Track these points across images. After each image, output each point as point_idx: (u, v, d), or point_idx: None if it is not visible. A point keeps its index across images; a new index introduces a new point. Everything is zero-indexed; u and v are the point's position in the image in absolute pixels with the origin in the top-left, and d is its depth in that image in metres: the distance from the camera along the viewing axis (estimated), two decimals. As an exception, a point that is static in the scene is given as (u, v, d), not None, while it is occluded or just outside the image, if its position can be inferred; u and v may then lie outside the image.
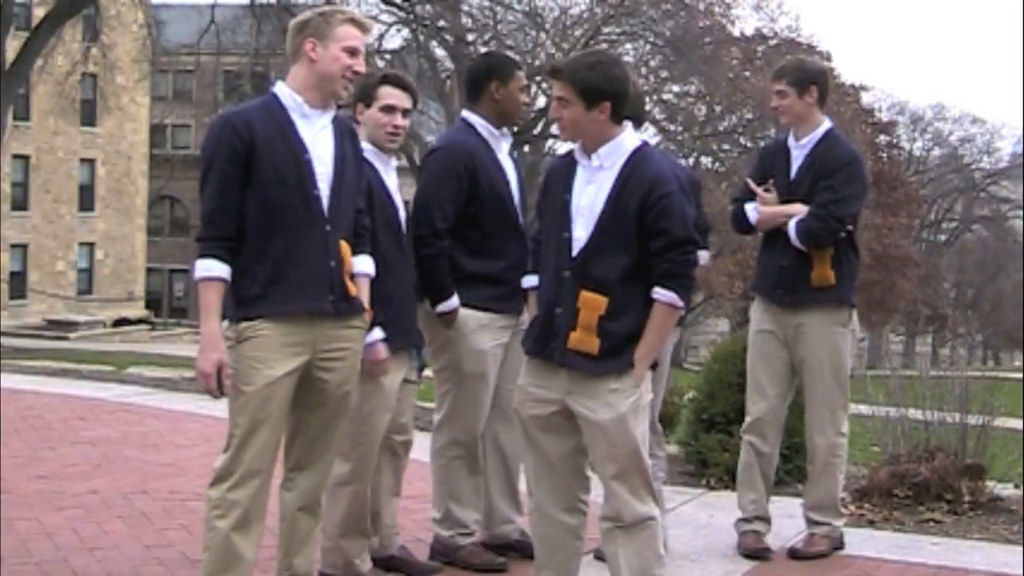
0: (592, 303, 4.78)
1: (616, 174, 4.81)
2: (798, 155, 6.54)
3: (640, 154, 4.84)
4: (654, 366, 4.97)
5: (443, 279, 5.92)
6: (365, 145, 5.52)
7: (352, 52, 4.90)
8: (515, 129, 6.26)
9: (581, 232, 4.82)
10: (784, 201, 6.48)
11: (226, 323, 4.85)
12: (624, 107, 4.86)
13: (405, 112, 5.70)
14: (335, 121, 5.01)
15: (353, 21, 4.96)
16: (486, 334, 6.01)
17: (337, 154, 4.94)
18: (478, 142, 6.07)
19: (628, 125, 4.95)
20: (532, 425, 4.97)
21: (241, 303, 4.83)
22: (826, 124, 6.56)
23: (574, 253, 4.82)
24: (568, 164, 4.97)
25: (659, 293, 4.77)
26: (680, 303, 4.80)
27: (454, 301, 5.95)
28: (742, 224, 6.66)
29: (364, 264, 5.15)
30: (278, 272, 4.81)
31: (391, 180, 5.70)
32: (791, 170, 6.54)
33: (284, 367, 4.83)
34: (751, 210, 6.58)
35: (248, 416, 4.82)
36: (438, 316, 5.97)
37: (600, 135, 4.84)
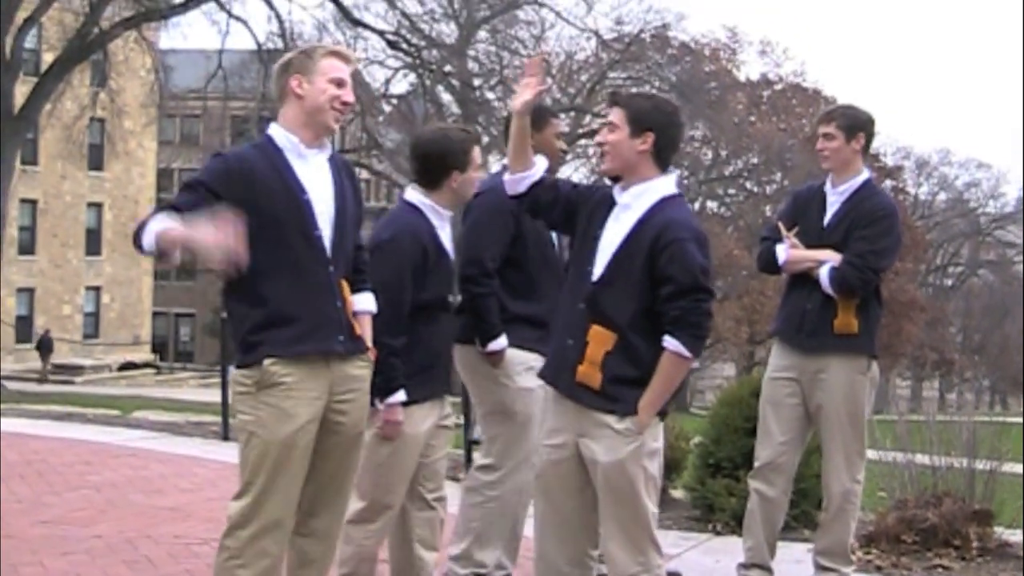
0: (600, 337, 4.77)
1: (640, 216, 4.80)
2: (834, 201, 6.51)
3: (669, 201, 4.84)
4: (663, 415, 4.94)
5: (493, 318, 6.00)
6: (424, 200, 5.57)
7: (338, 83, 4.89)
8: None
9: (600, 268, 4.83)
10: (814, 246, 6.47)
11: (237, 370, 4.81)
12: (668, 149, 4.88)
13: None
14: (331, 159, 4.99)
15: (335, 53, 4.96)
16: (532, 374, 5.97)
17: (336, 192, 4.92)
18: None
19: (672, 175, 4.95)
20: (551, 471, 4.93)
21: (253, 345, 4.78)
22: (865, 174, 6.54)
23: (590, 288, 4.83)
24: (608, 200, 4.95)
25: (667, 341, 4.74)
26: (687, 353, 4.73)
27: (503, 340, 6.02)
28: (770, 263, 6.63)
29: (365, 302, 5.11)
30: (287, 314, 4.77)
31: (445, 234, 5.67)
32: (825, 216, 6.51)
33: (308, 413, 4.78)
34: (781, 250, 6.55)
35: (271, 464, 4.74)
36: (486, 355, 6.02)
37: (637, 168, 4.84)
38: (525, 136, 5.06)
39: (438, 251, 5.56)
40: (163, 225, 4.54)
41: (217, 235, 4.39)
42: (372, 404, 5.27)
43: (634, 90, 5.56)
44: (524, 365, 6.06)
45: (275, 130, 4.92)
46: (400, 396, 5.38)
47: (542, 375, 5.05)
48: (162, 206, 4.77)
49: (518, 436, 6.12)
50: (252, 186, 4.75)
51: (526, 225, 6.02)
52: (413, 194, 5.62)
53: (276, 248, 4.76)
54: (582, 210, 5.00)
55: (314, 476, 4.94)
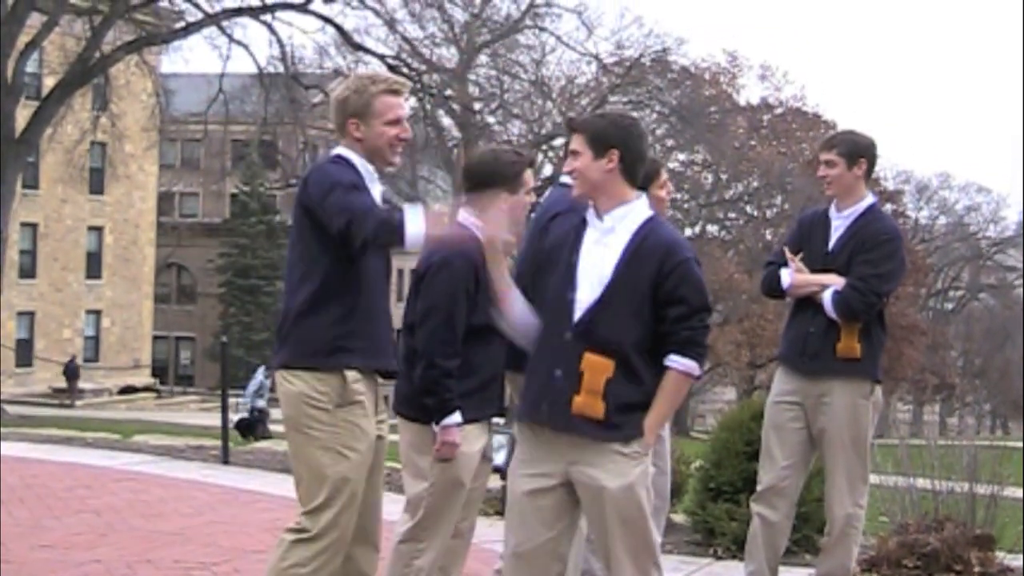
0: (597, 366, 4.67)
1: (628, 239, 4.74)
2: (839, 226, 6.53)
3: (654, 222, 4.81)
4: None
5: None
6: (476, 222, 5.44)
7: (394, 123, 5.03)
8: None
9: (586, 294, 4.72)
10: (819, 270, 6.47)
11: (314, 374, 4.88)
12: (636, 163, 4.81)
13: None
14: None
15: (389, 91, 5.06)
16: None
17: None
18: None
19: (643, 195, 4.92)
20: (528, 501, 4.80)
21: (337, 351, 4.89)
22: (869, 199, 6.56)
23: (577, 315, 4.72)
24: (576, 225, 4.89)
25: (676, 361, 4.70)
26: (698, 372, 4.76)
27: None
28: (774, 287, 6.63)
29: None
30: (365, 330, 4.94)
31: None
32: (830, 240, 6.53)
33: (373, 429, 5.01)
34: (785, 274, 6.56)
35: (352, 483, 4.91)
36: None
37: (611, 190, 4.78)
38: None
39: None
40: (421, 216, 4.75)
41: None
42: (426, 422, 5.40)
43: (588, 113, 5.56)
44: None
45: (349, 154, 5.04)
46: (456, 418, 5.36)
47: (521, 415, 4.89)
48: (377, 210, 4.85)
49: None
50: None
51: None
52: (465, 216, 5.50)
53: (360, 266, 4.95)
54: (545, 258, 4.94)
55: (365, 494, 5.08)
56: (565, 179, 5.80)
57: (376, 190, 5.06)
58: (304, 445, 4.94)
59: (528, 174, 5.62)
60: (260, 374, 26.74)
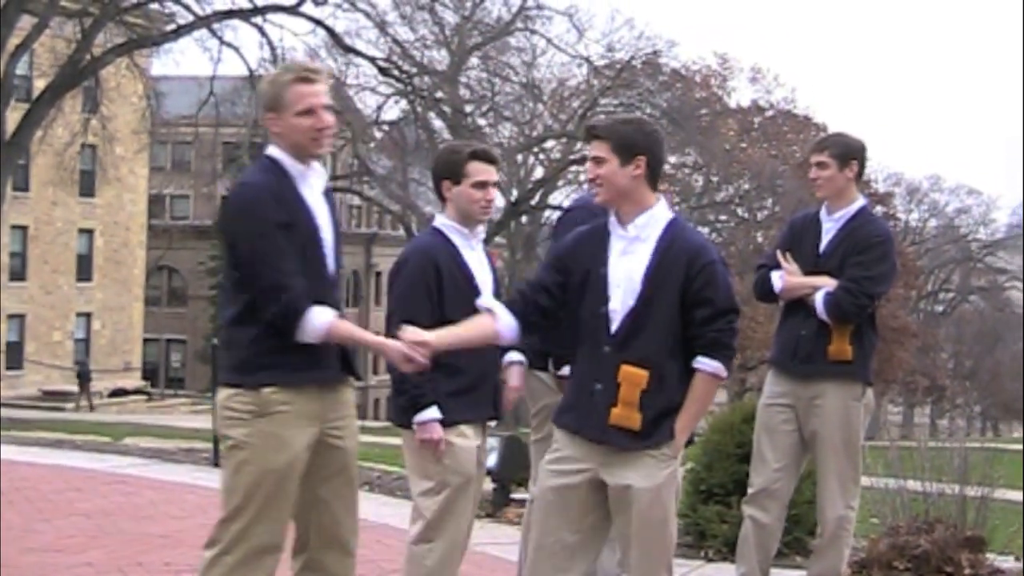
0: (633, 378, 4.70)
1: (654, 246, 4.77)
2: (830, 228, 6.54)
3: (677, 225, 4.84)
4: (690, 441, 4.93)
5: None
6: (446, 221, 5.59)
7: (308, 112, 4.74)
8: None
9: (618, 305, 4.75)
10: (811, 273, 6.48)
11: (235, 390, 4.76)
12: (660, 168, 4.88)
13: (495, 184, 5.79)
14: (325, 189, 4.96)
15: (300, 79, 4.77)
16: None
17: (332, 219, 4.91)
18: None
19: (662, 197, 4.94)
20: (553, 496, 4.85)
21: (258, 368, 4.71)
22: (860, 201, 6.57)
23: (613, 328, 4.75)
24: (599, 235, 4.91)
25: (704, 363, 4.74)
26: (725, 373, 4.79)
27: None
28: (766, 290, 6.63)
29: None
30: (290, 344, 4.70)
31: (474, 255, 5.65)
32: (821, 243, 6.54)
33: (304, 441, 4.76)
34: (776, 277, 6.56)
35: (265, 492, 4.70)
36: (561, 379, 5.91)
37: (636, 197, 4.81)
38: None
39: (460, 270, 5.52)
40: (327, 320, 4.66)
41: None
42: (408, 425, 5.37)
43: (603, 116, 5.54)
44: None
45: (277, 153, 4.83)
46: (431, 413, 5.35)
47: (566, 426, 4.91)
48: (286, 281, 4.66)
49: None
50: (284, 210, 4.71)
51: None
52: (438, 218, 5.69)
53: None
54: (574, 267, 4.90)
55: (323, 508, 4.90)
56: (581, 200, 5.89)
57: (315, 185, 4.84)
58: (223, 456, 4.88)
59: (473, 166, 5.62)
60: None
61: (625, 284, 4.76)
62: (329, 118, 4.80)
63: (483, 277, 5.60)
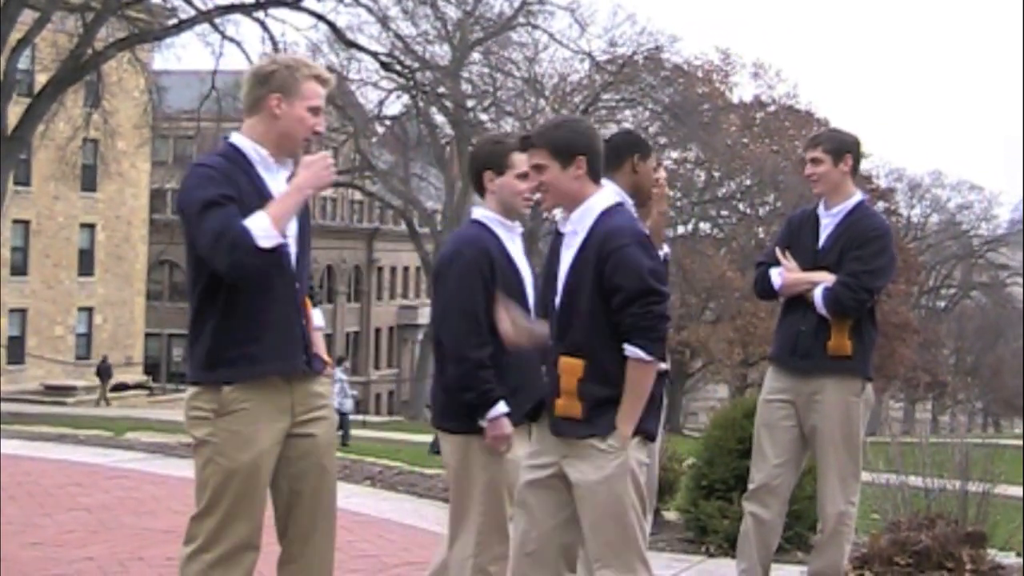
0: (570, 367, 4.76)
1: (584, 237, 4.82)
2: (828, 224, 6.53)
3: (608, 212, 4.85)
4: (650, 436, 4.92)
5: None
6: (487, 213, 5.48)
7: (316, 111, 4.78)
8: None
9: (558, 299, 4.86)
10: (809, 269, 6.47)
11: (194, 389, 4.73)
12: (598, 161, 4.89)
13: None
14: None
15: (318, 78, 4.81)
16: None
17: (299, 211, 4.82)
18: None
19: (606, 186, 4.98)
20: (527, 490, 4.89)
21: (216, 364, 4.67)
22: (858, 196, 6.56)
23: (555, 320, 4.85)
24: (556, 236, 5.02)
25: (627, 349, 4.72)
26: (648, 357, 4.71)
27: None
28: (765, 288, 6.63)
29: (318, 317, 5.04)
30: (255, 333, 4.68)
31: (516, 247, 5.55)
32: (819, 238, 6.53)
33: (270, 437, 4.72)
34: (776, 275, 6.56)
35: (235, 490, 4.67)
36: None
37: (578, 194, 4.86)
38: None
39: (508, 263, 5.42)
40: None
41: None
42: (476, 431, 5.26)
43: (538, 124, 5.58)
44: None
45: (241, 140, 4.78)
46: (501, 408, 5.23)
47: (529, 416, 4.97)
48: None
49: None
50: (232, 188, 4.64)
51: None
52: (477, 210, 5.57)
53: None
54: (548, 272, 5.00)
55: (298, 501, 4.87)
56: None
57: (280, 175, 4.78)
58: (193, 452, 4.84)
59: (518, 156, 5.48)
60: (339, 371, 25.63)
61: (562, 278, 4.84)
62: (323, 125, 4.86)
63: (526, 271, 5.53)
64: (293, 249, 4.78)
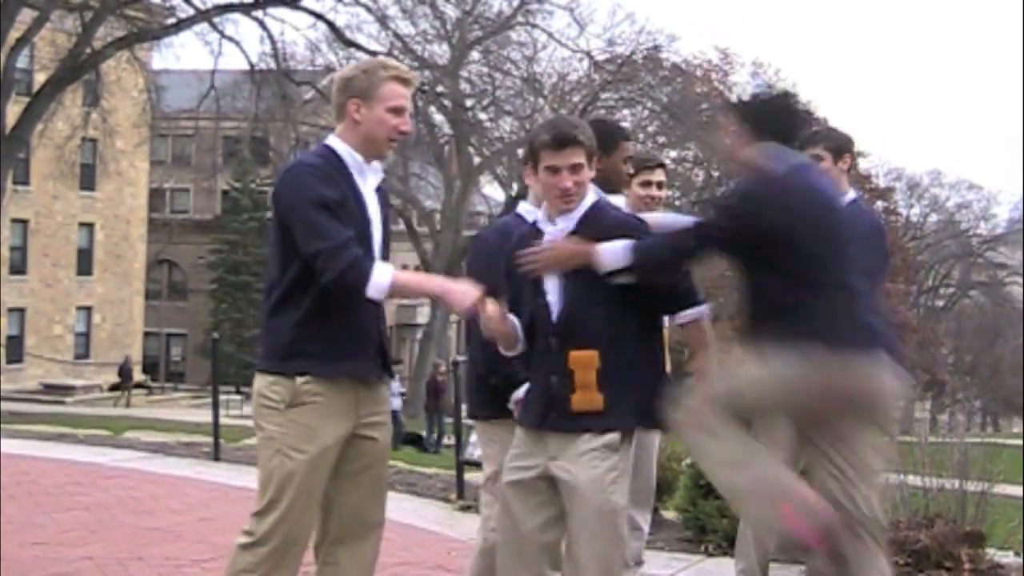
0: (582, 360, 4.72)
1: (572, 227, 4.85)
2: None
3: (594, 206, 4.91)
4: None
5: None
6: (532, 209, 5.50)
7: (398, 111, 4.83)
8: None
9: (554, 296, 4.81)
10: None
11: (271, 377, 4.77)
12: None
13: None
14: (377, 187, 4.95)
15: (397, 78, 4.86)
16: None
17: (383, 216, 4.90)
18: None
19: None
20: (511, 491, 4.86)
21: (293, 356, 4.72)
22: (852, 194, 6.57)
23: (554, 318, 4.80)
24: (528, 236, 4.97)
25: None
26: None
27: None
28: None
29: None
30: (336, 332, 4.73)
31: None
32: None
33: (335, 435, 4.76)
34: None
35: (297, 485, 4.70)
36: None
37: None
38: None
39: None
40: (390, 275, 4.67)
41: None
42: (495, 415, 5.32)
43: (569, 120, 5.64)
44: None
45: (336, 143, 4.86)
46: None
47: (529, 425, 4.91)
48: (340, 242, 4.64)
49: None
50: (337, 199, 4.72)
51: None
52: (522, 205, 5.68)
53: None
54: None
55: (344, 499, 4.89)
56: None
57: (370, 181, 4.88)
58: (259, 445, 4.88)
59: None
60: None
61: (556, 277, 4.90)
62: (410, 125, 4.89)
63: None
64: (378, 255, 4.83)
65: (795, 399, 4.96)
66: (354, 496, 4.90)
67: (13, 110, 34.29)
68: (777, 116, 5.18)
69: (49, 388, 45.81)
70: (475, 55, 49.84)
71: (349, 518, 4.92)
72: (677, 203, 51.43)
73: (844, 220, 5.10)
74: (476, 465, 6.46)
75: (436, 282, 4.90)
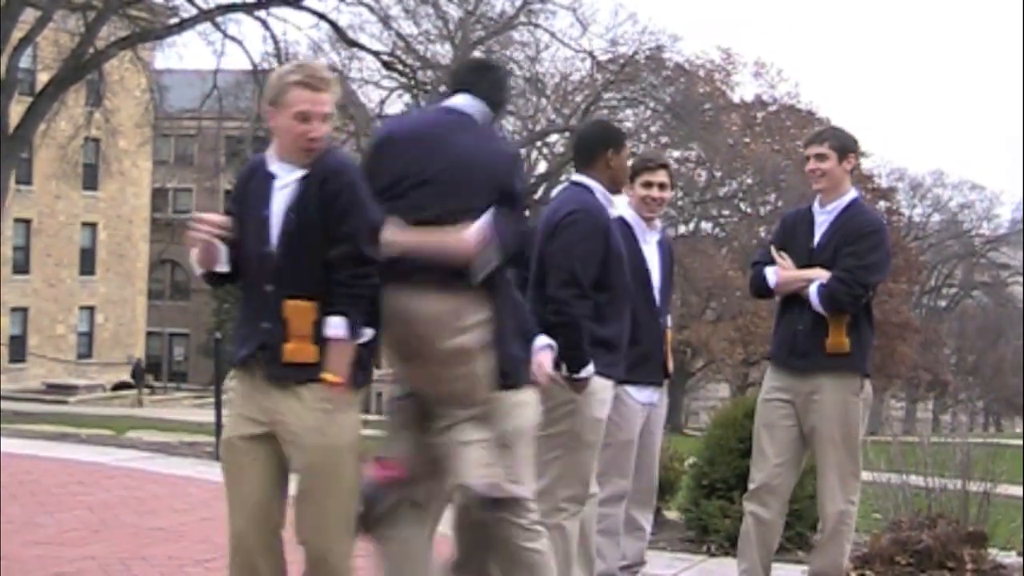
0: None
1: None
2: (823, 221, 6.54)
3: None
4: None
5: (586, 343, 5.68)
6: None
7: (305, 117, 4.62)
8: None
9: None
10: (805, 267, 6.47)
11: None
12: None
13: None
14: (307, 177, 4.67)
15: (304, 83, 4.63)
16: (606, 403, 5.90)
17: (289, 207, 4.67)
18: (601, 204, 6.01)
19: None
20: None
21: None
22: (853, 193, 6.59)
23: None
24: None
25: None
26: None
27: (591, 367, 5.71)
28: (761, 287, 6.64)
29: (333, 326, 4.62)
30: (237, 329, 4.85)
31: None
32: (815, 236, 6.54)
33: (239, 429, 4.79)
34: (770, 273, 6.56)
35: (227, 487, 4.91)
36: (572, 382, 5.68)
37: None
38: None
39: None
40: None
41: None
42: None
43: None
44: (600, 394, 5.82)
45: (271, 151, 4.82)
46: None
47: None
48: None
49: (579, 463, 5.80)
50: (240, 197, 4.88)
51: (612, 244, 5.87)
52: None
53: (240, 262, 4.80)
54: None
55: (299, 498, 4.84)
56: (579, 178, 6.02)
57: (285, 178, 4.68)
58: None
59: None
60: None
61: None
62: (322, 129, 4.64)
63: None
64: (273, 236, 4.76)
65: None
66: (303, 493, 4.88)
67: (16, 110, 34.26)
68: None
69: (52, 388, 45.76)
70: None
71: (302, 518, 4.90)
72: (680, 203, 51.50)
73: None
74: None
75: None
